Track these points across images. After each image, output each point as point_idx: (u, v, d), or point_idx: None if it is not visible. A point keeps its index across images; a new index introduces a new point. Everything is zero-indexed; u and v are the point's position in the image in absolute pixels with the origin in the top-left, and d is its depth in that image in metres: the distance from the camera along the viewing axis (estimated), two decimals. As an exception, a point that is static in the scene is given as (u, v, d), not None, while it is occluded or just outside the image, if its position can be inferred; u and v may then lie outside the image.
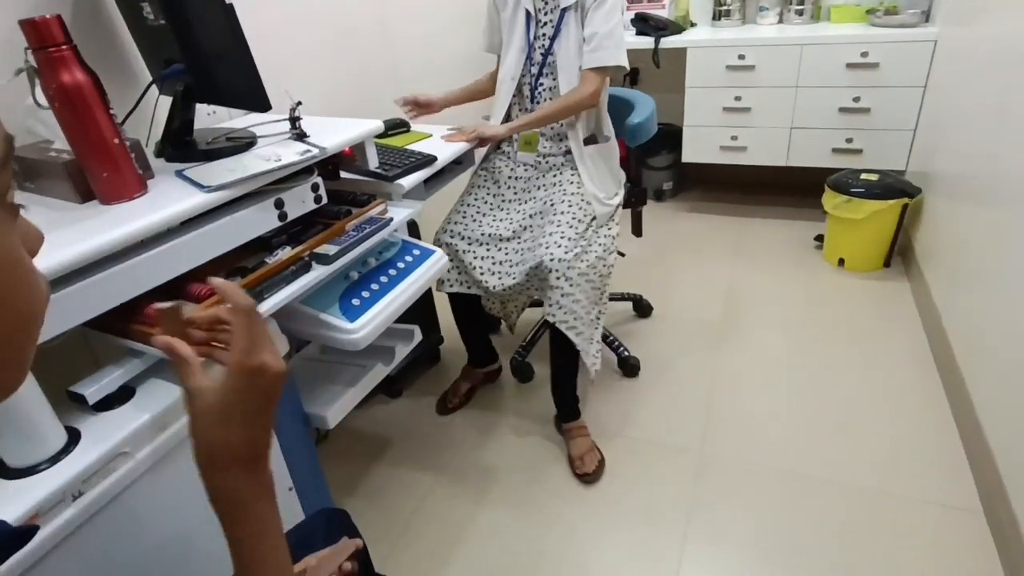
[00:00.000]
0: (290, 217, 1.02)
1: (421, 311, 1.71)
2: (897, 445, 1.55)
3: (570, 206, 1.51)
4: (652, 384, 1.85)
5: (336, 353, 1.33)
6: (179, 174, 0.96)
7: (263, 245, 1.06)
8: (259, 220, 0.98)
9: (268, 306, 0.94)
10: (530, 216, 1.56)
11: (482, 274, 1.54)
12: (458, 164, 1.58)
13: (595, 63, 1.47)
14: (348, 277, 1.15)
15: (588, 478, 1.55)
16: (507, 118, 1.62)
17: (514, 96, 1.60)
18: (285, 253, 1.03)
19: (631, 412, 1.75)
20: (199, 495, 0.86)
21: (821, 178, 2.45)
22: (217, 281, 0.49)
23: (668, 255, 2.60)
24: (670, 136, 2.96)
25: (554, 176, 1.60)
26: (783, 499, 1.44)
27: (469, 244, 1.57)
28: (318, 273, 1.03)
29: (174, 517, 0.89)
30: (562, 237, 1.44)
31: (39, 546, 0.70)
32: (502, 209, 1.62)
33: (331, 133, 1.13)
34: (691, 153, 2.80)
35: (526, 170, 1.63)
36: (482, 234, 1.56)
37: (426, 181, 1.40)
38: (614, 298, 1.55)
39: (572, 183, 1.56)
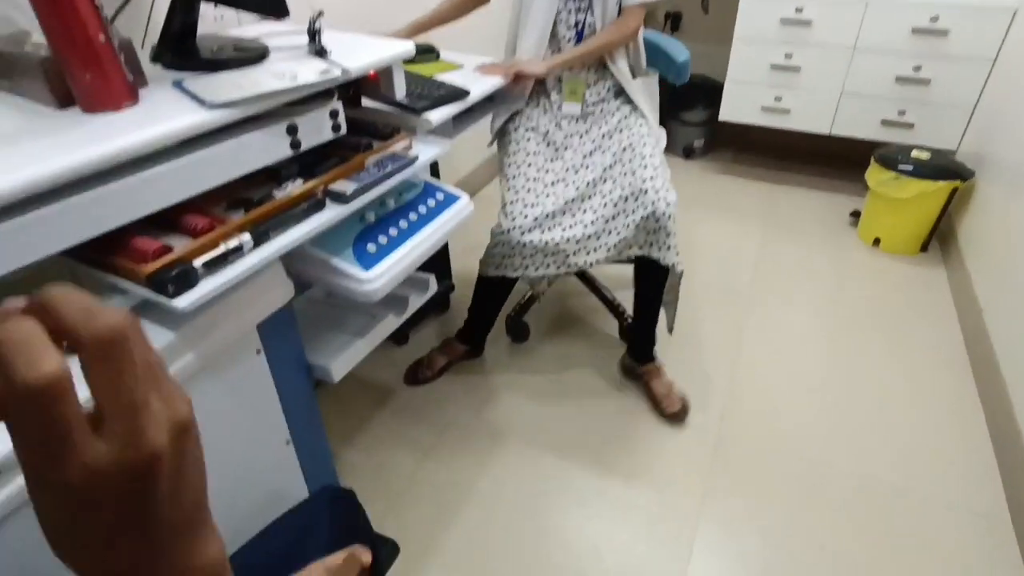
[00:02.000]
0: (304, 147, 0.89)
1: (434, 256, 1.59)
2: (922, 442, 1.48)
3: (645, 145, 1.39)
4: (665, 353, 1.76)
5: (344, 298, 1.22)
6: (177, 85, 0.82)
7: (271, 176, 0.93)
8: (268, 147, 0.85)
9: (274, 247, 0.83)
10: (604, 169, 1.40)
11: (568, 255, 1.39)
12: (490, 101, 1.43)
13: None
14: (364, 219, 1.03)
15: (676, 417, 1.52)
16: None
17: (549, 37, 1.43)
18: (296, 186, 0.91)
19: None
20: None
21: (863, 151, 2.29)
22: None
23: (692, 216, 2.46)
24: (708, 90, 2.77)
25: (612, 117, 1.46)
26: (801, 487, 1.38)
27: (543, 227, 1.38)
28: (332, 213, 0.91)
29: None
30: (664, 180, 1.34)
31: (4, 506, 0.61)
32: (564, 169, 1.45)
33: (355, 52, 0.98)
34: (729, 111, 2.62)
35: (570, 123, 1.48)
36: (554, 207, 1.38)
37: (455, 116, 1.25)
38: (620, 261, 1.44)
39: (635, 119, 1.45)
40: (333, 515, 0.65)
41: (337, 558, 0.51)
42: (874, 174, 2.17)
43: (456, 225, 1.13)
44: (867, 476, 1.40)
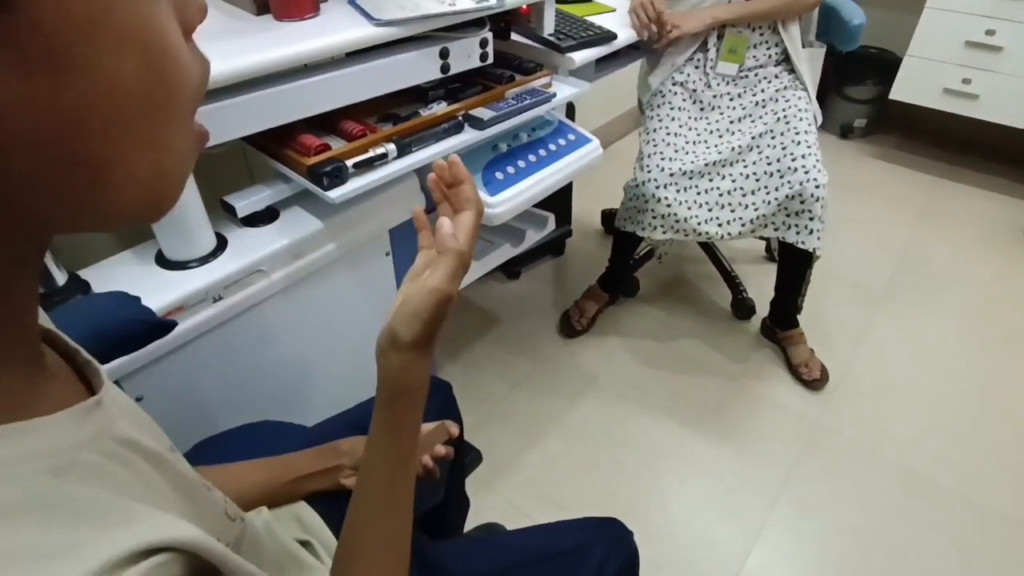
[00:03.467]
0: (452, 70, 0.96)
1: (557, 199, 1.63)
2: (1056, 481, 1.33)
3: (801, 120, 1.32)
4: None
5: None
6: (352, 2, 0.91)
7: (419, 95, 1.01)
8: (421, 67, 0.92)
9: (414, 160, 0.91)
10: (752, 137, 1.34)
11: (700, 223, 1.35)
12: (635, 49, 1.41)
13: None
14: (496, 147, 1.09)
15: (816, 384, 1.52)
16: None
17: None
18: (440, 108, 0.98)
19: (751, 359, 1.63)
20: (321, 325, 0.88)
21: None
22: (463, 167, 0.51)
23: (837, 200, 2.28)
24: (881, 64, 2.51)
25: (769, 85, 1.39)
26: (897, 497, 1.30)
27: (678, 185, 1.34)
28: (469, 136, 0.98)
29: (296, 340, 0.94)
30: (816, 159, 1.27)
31: (179, 336, 0.75)
32: (709, 131, 1.40)
33: (513, -16, 1.01)
34: (904, 90, 2.35)
35: (723, 84, 1.41)
36: (692, 167, 1.33)
37: (599, 60, 1.26)
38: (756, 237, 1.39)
39: (795, 90, 1.37)
40: (431, 399, 0.74)
41: (430, 424, 0.59)
42: (1069, 179, 1.89)
43: (582, 167, 1.16)
44: (977, 504, 1.29)
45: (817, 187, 1.25)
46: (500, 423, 1.46)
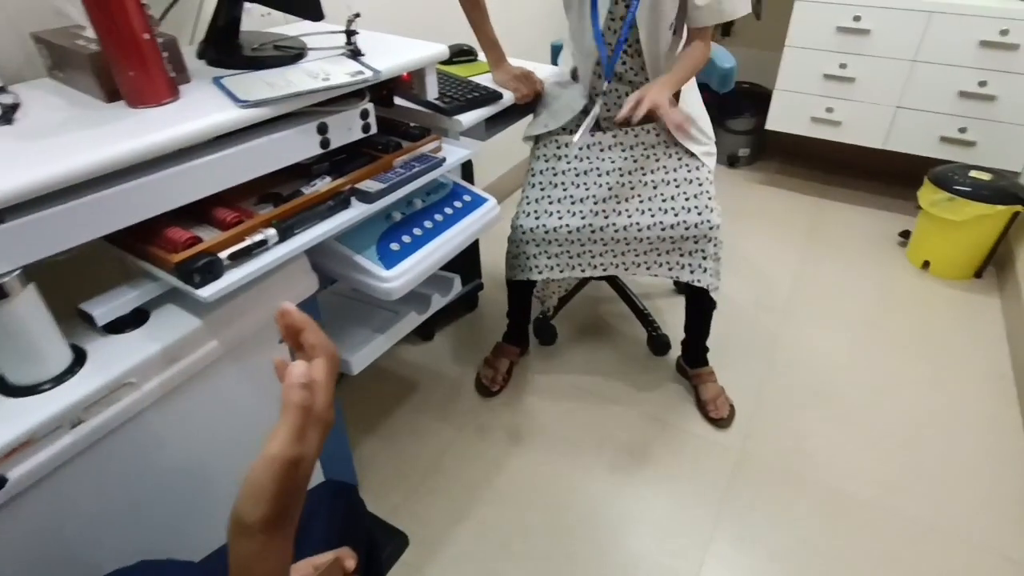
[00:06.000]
0: (333, 145, 0.92)
1: (463, 255, 1.60)
2: (957, 478, 1.41)
3: (693, 157, 1.34)
4: (696, 368, 1.73)
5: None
6: (216, 81, 0.86)
7: (301, 171, 0.96)
8: (299, 145, 0.88)
9: (298, 243, 0.86)
10: (644, 175, 1.35)
11: (593, 255, 1.36)
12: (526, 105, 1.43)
13: (716, 19, 1.23)
14: (390, 217, 1.05)
15: (722, 423, 1.53)
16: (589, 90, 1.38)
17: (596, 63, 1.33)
18: (324, 184, 0.94)
19: (671, 395, 1.64)
20: (208, 435, 0.79)
21: (919, 168, 2.20)
22: (297, 315, 0.44)
23: (728, 227, 2.40)
24: (756, 98, 2.70)
25: (654, 130, 1.38)
26: (823, 516, 1.34)
27: (561, 215, 1.34)
28: (358, 211, 0.94)
29: (179, 457, 0.84)
30: (709, 198, 1.29)
31: (19, 481, 0.65)
32: (598, 173, 1.38)
33: (389, 53, 1.00)
34: (777, 120, 2.54)
35: (611, 135, 1.40)
36: (582, 206, 1.34)
37: (488, 120, 1.26)
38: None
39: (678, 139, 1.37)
40: (332, 510, 0.67)
41: (326, 558, 0.52)
42: (927, 194, 2.08)
43: (481, 228, 1.15)
44: (893, 509, 1.35)
45: (711, 227, 1.29)
46: (428, 494, 1.39)
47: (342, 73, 0.89)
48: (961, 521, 1.32)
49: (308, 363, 0.41)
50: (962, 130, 2.22)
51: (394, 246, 1.01)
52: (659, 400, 1.62)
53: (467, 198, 1.15)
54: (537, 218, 1.35)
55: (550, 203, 1.36)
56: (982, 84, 2.13)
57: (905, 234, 2.29)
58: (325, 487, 0.70)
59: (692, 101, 1.47)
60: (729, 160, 2.89)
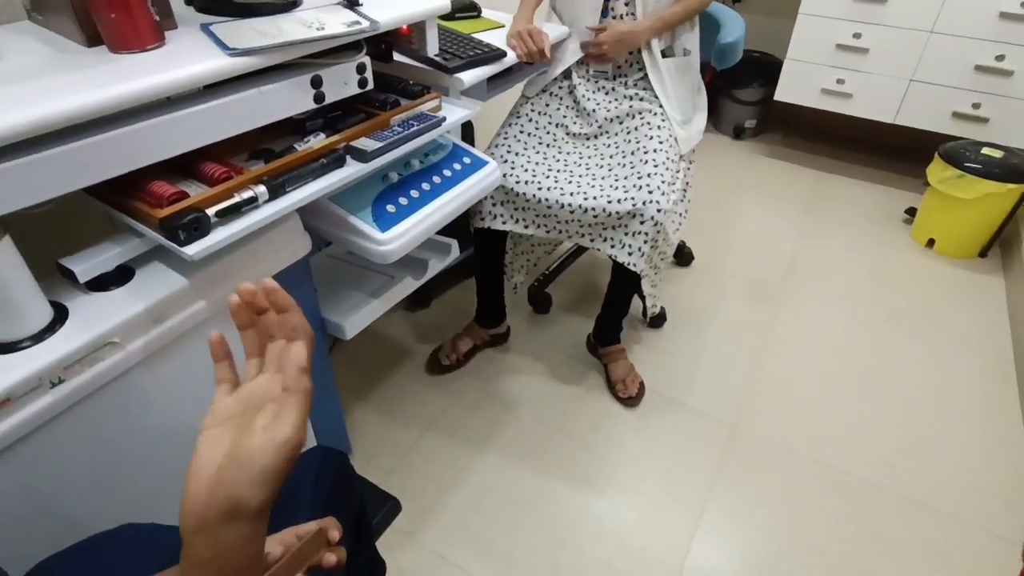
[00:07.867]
0: (328, 100, 0.88)
1: (461, 220, 1.56)
2: (950, 457, 1.41)
3: (652, 139, 1.31)
4: (686, 341, 1.72)
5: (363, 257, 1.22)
6: (205, 28, 0.81)
7: (294, 127, 0.92)
8: (291, 98, 0.84)
9: (290, 201, 0.82)
10: (610, 157, 1.35)
11: (561, 222, 1.33)
12: (529, 64, 1.37)
13: None
14: (387, 178, 1.02)
15: (631, 402, 1.51)
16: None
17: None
18: (318, 141, 0.90)
19: (663, 367, 1.63)
20: (193, 397, 0.77)
21: (929, 143, 2.15)
22: (283, 294, 0.44)
23: (730, 200, 2.37)
24: (766, 67, 2.63)
25: (628, 102, 1.38)
26: (812, 487, 1.34)
27: (533, 174, 1.32)
28: (353, 170, 0.90)
29: (163, 420, 0.82)
30: (663, 182, 1.24)
31: (5, 435, 0.63)
32: (572, 136, 1.40)
33: (388, 4, 0.95)
34: (786, 91, 2.48)
35: (594, 92, 1.40)
36: (548, 166, 1.34)
37: (490, 79, 1.21)
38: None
39: (656, 114, 1.35)
40: (320, 476, 0.65)
41: (310, 527, 0.50)
42: (936, 170, 2.04)
43: (481, 191, 1.11)
44: (887, 485, 1.35)
45: (658, 211, 1.22)
46: (420, 462, 1.38)
47: (338, 23, 0.84)
48: (952, 499, 1.32)
49: (294, 346, 0.42)
50: (976, 106, 2.17)
51: (390, 208, 0.97)
52: (655, 371, 1.61)
53: (467, 160, 1.11)
54: (511, 152, 1.36)
55: (515, 164, 1.34)
56: (999, 58, 2.07)
57: (911, 211, 2.25)
58: (314, 453, 0.68)
59: (688, 83, 1.44)
60: (735, 131, 2.83)
